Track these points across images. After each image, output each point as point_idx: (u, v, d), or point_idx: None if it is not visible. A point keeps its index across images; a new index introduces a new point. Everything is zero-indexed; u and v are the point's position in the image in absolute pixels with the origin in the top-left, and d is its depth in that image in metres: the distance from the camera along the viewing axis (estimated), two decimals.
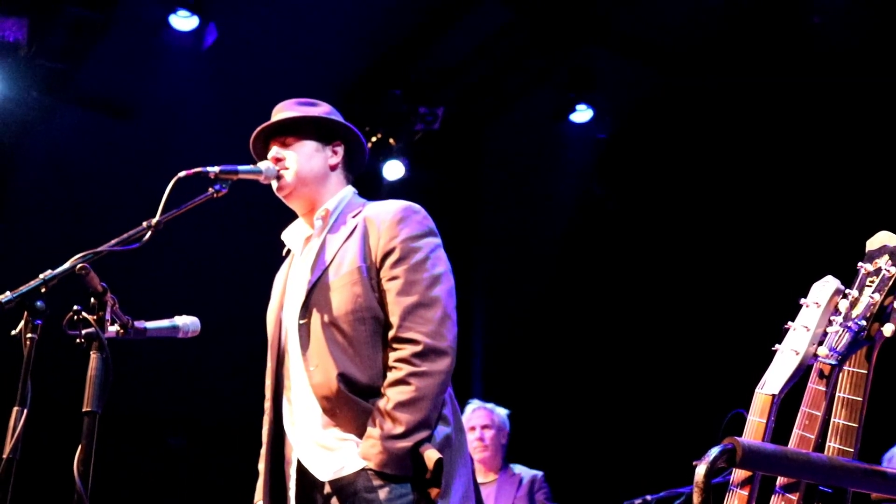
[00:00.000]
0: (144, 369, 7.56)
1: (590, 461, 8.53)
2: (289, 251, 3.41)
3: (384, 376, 2.99)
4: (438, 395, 2.97)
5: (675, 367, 8.25)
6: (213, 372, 8.28)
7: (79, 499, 2.40)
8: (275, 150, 3.29)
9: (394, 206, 3.20)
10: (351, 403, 2.97)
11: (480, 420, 5.99)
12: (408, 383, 2.92)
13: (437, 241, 3.18)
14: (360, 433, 2.96)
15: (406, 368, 2.94)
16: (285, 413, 3.16)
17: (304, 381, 3.06)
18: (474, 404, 6.10)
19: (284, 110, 3.35)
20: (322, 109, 3.36)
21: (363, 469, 2.92)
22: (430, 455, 2.91)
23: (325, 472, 3.01)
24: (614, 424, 8.74)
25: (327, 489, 3.01)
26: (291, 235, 3.38)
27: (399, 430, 2.88)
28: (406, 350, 2.96)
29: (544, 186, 9.11)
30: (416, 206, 3.22)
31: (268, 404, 3.24)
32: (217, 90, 7.55)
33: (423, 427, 2.92)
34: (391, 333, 3.01)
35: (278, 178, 3.25)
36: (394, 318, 3.02)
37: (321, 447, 3.03)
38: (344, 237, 3.17)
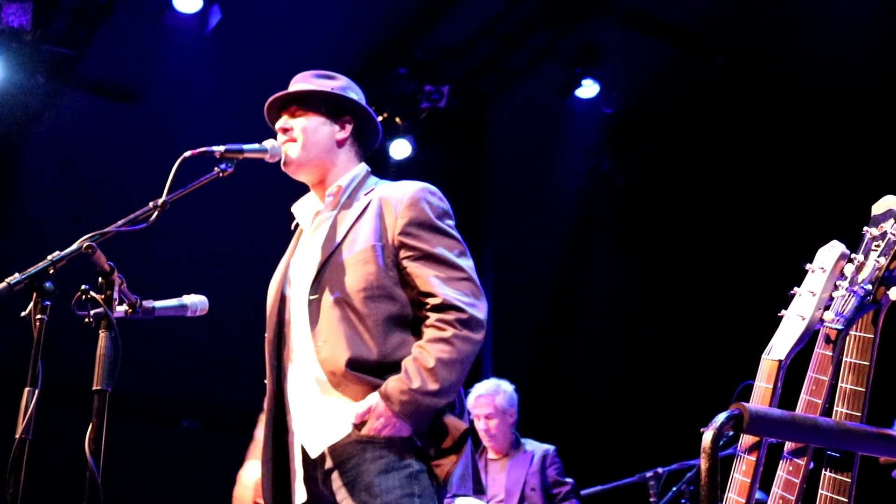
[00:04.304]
0: (159, 352, 7.60)
1: (601, 435, 8.55)
2: (297, 225, 3.41)
3: (394, 355, 2.98)
4: (469, 365, 2.98)
5: (685, 339, 8.26)
6: (227, 355, 8.30)
7: (91, 476, 2.41)
8: (282, 121, 3.30)
9: (412, 187, 3.19)
10: (358, 381, 2.96)
11: (483, 409, 5.93)
12: (452, 344, 2.92)
13: (454, 222, 3.19)
14: None
15: (451, 330, 2.93)
16: (290, 387, 3.15)
17: (312, 356, 3.06)
18: (475, 391, 6.02)
19: (299, 82, 3.36)
20: (338, 83, 3.35)
21: (360, 440, 2.93)
22: (458, 425, 2.93)
23: (316, 447, 3.02)
24: (625, 398, 8.76)
25: (328, 463, 3.01)
26: (302, 208, 3.37)
27: (434, 386, 2.87)
28: (452, 315, 2.95)
29: (552, 162, 9.10)
30: (433, 188, 3.22)
31: (268, 377, 3.23)
32: (222, 72, 7.56)
33: (454, 391, 2.94)
34: (431, 301, 2.99)
35: (284, 154, 3.25)
36: (431, 289, 3.00)
37: (320, 419, 3.03)
38: (356, 214, 3.16)
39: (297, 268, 3.25)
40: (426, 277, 3.02)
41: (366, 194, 3.22)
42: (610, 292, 9.30)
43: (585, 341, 9.42)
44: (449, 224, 3.15)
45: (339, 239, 3.13)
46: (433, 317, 2.98)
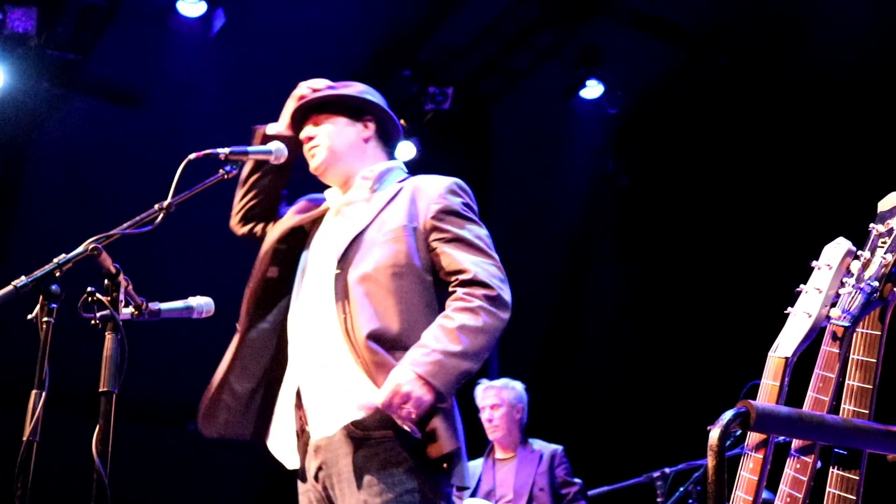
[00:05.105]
0: (166, 354, 7.60)
1: (609, 435, 8.54)
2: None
3: (417, 334, 2.96)
4: (492, 344, 2.97)
5: (692, 338, 8.25)
6: None
7: (98, 478, 2.41)
8: (306, 130, 3.36)
9: (448, 179, 3.25)
10: (377, 354, 2.93)
11: (489, 400, 5.96)
12: (477, 314, 2.92)
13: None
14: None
15: (478, 302, 2.94)
16: (299, 360, 3.15)
17: (335, 328, 3.03)
18: (482, 384, 6.06)
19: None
20: (354, 89, 3.41)
21: (356, 435, 2.93)
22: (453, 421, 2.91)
23: (326, 428, 3.01)
24: (632, 398, 8.75)
25: (323, 456, 3.01)
26: (330, 196, 3.41)
27: (458, 348, 2.86)
28: (480, 290, 2.96)
29: (556, 163, 9.09)
30: (466, 186, 3.27)
31: (243, 321, 3.25)
32: (226, 75, 7.57)
33: (478, 359, 2.91)
34: (461, 277, 3.00)
35: (312, 158, 3.31)
36: (461, 265, 3.01)
37: (334, 397, 3.02)
38: (388, 197, 3.20)
39: (322, 244, 3.26)
40: (457, 256, 3.04)
41: (399, 182, 3.28)
42: (615, 291, 9.30)
43: (591, 341, 9.41)
44: (477, 219, 3.19)
45: (369, 219, 3.16)
46: (461, 290, 2.98)
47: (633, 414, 8.62)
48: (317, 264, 3.22)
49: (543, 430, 6.34)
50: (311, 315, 3.14)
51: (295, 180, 3.39)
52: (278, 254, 3.29)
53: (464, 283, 3.00)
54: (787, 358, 2.32)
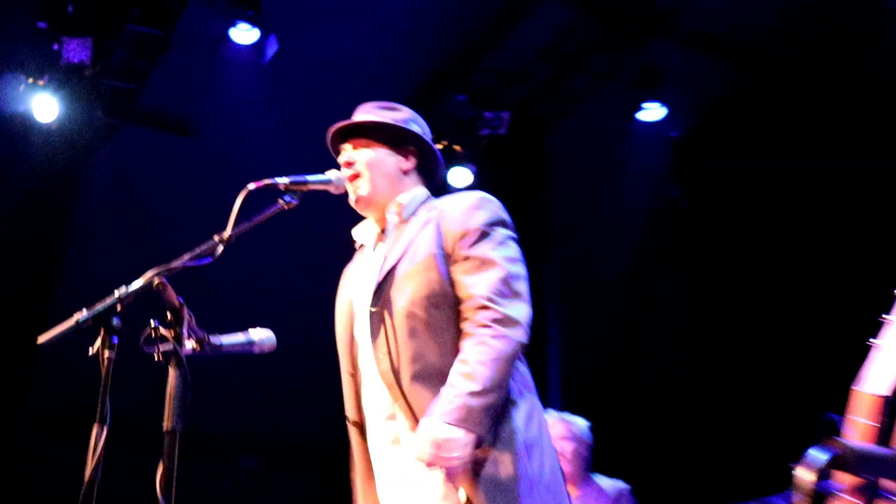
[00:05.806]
0: (218, 388, 7.56)
1: (676, 472, 8.36)
2: (361, 246, 3.37)
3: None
4: (512, 361, 2.89)
5: (760, 371, 8.06)
6: (287, 392, 8.23)
7: None
8: (345, 154, 3.28)
9: (469, 196, 3.17)
10: (423, 391, 2.90)
11: (558, 432, 5.84)
12: (487, 344, 2.85)
13: (511, 232, 3.13)
14: None
15: (486, 333, 2.87)
16: (368, 421, 3.11)
17: (373, 370, 3.01)
18: (552, 417, 5.94)
19: (361, 113, 3.33)
20: (401, 115, 3.33)
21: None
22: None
23: None
24: (700, 433, 8.56)
25: None
26: (362, 231, 3.35)
27: (477, 387, 2.80)
28: (485, 316, 2.89)
29: (615, 187, 8.98)
30: (491, 197, 3.18)
31: (350, 413, 3.19)
32: (279, 102, 7.57)
33: (499, 389, 2.85)
34: (465, 305, 2.95)
35: (353, 192, 3.23)
36: (469, 292, 2.95)
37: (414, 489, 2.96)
38: (418, 227, 3.13)
39: (361, 285, 3.21)
40: (466, 281, 2.97)
41: (427, 210, 3.20)
42: (677, 318, 9.15)
43: (655, 374, 9.25)
44: (502, 232, 3.09)
45: (400, 252, 3.09)
46: (470, 323, 2.92)
47: (701, 450, 8.43)
48: (358, 307, 3.18)
49: (608, 466, 6.21)
50: (364, 360, 3.11)
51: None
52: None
53: (471, 310, 2.94)
54: (885, 396, 2.20)
